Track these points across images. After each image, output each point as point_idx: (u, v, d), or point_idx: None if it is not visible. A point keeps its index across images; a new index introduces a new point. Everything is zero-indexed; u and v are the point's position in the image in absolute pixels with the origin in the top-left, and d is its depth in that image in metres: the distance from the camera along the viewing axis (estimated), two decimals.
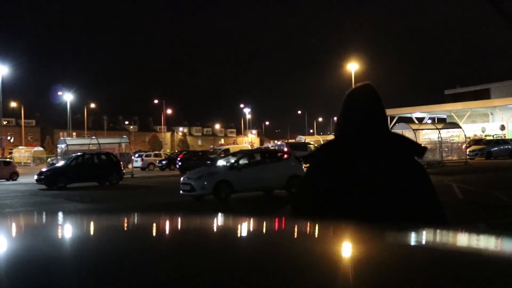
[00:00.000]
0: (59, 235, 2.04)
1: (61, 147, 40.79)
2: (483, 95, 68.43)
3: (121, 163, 32.12)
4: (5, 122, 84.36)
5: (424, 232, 2.25)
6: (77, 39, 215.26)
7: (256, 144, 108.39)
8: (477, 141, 47.54)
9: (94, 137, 48.37)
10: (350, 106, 2.37)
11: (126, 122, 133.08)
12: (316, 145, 51.06)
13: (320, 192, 2.22)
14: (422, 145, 2.46)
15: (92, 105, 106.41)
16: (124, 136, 45.88)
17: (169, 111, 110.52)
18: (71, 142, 41.63)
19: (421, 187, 2.27)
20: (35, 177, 28.65)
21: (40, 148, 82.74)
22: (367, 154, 2.19)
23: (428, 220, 2.30)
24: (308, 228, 2.38)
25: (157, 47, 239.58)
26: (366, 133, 2.27)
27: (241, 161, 18.74)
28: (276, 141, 66.85)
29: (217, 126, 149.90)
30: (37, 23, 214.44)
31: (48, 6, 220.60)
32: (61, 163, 31.32)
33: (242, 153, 21.09)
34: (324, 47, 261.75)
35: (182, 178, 18.53)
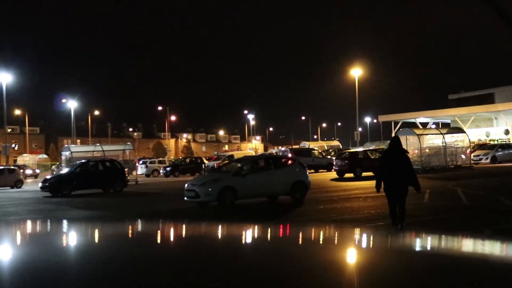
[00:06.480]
0: (64, 242, 2.04)
1: (66, 154, 40.87)
2: (487, 99, 68.19)
3: (125, 170, 32.12)
4: (9, 130, 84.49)
5: (429, 238, 2.24)
6: (80, 47, 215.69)
7: (260, 150, 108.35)
8: (481, 146, 47.39)
9: (98, 144, 48.39)
10: (392, 143, 10.90)
11: (130, 129, 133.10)
12: (320, 151, 51.14)
13: (382, 167, 10.76)
14: (406, 150, 11.60)
15: (96, 112, 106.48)
16: (128, 143, 45.91)
17: (173, 118, 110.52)
18: (75, 150, 41.70)
19: (408, 164, 10.57)
20: (40, 184, 28.70)
21: (45, 156, 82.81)
22: (394, 155, 10.55)
23: (411, 180, 10.42)
24: (312, 234, 2.37)
25: (161, 54, 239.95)
26: (394, 149, 10.66)
27: (245, 168, 18.70)
28: (280, 147, 66.76)
29: (221, 133, 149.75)
30: (41, 31, 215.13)
31: (52, 14, 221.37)
32: (65, 170, 31.36)
33: (246, 160, 21.07)
34: (328, 53, 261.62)
35: (186, 185, 18.50)
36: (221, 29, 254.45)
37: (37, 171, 62.47)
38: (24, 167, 61.35)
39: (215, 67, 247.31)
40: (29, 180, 50.85)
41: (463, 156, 37.75)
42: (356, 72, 58.60)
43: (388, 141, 12.99)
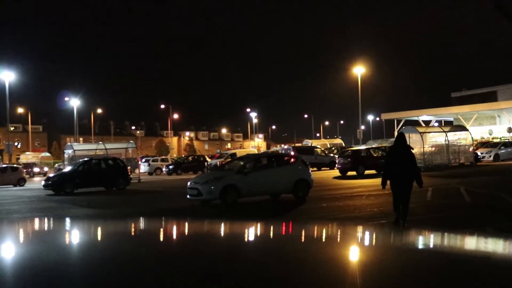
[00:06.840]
0: (67, 240, 2.05)
1: (68, 152, 40.96)
2: (490, 97, 68.14)
3: (128, 168, 32.15)
4: (12, 128, 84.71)
5: (431, 236, 2.24)
6: (83, 45, 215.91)
7: (263, 148, 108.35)
8: (484, 144, 47.37)
9: (101, 142, 48.52)
10: (397, 139, 11.14)
11: (133, 127, 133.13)
12: (323, 149, 51.14)
13: (388, 164, 10.96)
14: (411, 146, 11.50)
15: (99, 111, 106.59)
16: (131, 141, 46.02)
17: (175, 116, 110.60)
18: (78, 148, 41.81)
19: (413, 160, 10.82)
20: (43, 182, 28.74)
21: (47, 154, 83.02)
22: (399, 150, 10.83)
23: (414, 175, 10.66)
24: (315, 232, 2.37)
25: (163, 53, 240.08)
26: (399, 146, 10.90)
27: (248, 166, 18.68)
28: (282, 145, 66.71)
29: (224, 131, 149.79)
30: (44, 30, 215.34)
31: (56, 13, 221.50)
32: (68, 168, 31.41)
33: (249, 158, 21.05)
34: (330, 52, 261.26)
35: (189, 183, 18.49)
36: (224, 29, 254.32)
37: (45, 169, 62.64)
38: (32, 165, 61.64)
39: (217, 65, 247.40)
40: (37, 178, 50.96)
41: (466, 154, 37.73)
42: (359, 70, 58.60)
43: (391, 139, 15.21)
